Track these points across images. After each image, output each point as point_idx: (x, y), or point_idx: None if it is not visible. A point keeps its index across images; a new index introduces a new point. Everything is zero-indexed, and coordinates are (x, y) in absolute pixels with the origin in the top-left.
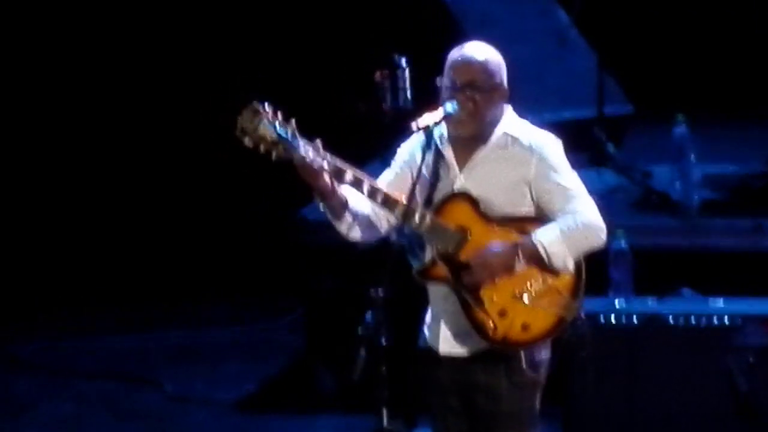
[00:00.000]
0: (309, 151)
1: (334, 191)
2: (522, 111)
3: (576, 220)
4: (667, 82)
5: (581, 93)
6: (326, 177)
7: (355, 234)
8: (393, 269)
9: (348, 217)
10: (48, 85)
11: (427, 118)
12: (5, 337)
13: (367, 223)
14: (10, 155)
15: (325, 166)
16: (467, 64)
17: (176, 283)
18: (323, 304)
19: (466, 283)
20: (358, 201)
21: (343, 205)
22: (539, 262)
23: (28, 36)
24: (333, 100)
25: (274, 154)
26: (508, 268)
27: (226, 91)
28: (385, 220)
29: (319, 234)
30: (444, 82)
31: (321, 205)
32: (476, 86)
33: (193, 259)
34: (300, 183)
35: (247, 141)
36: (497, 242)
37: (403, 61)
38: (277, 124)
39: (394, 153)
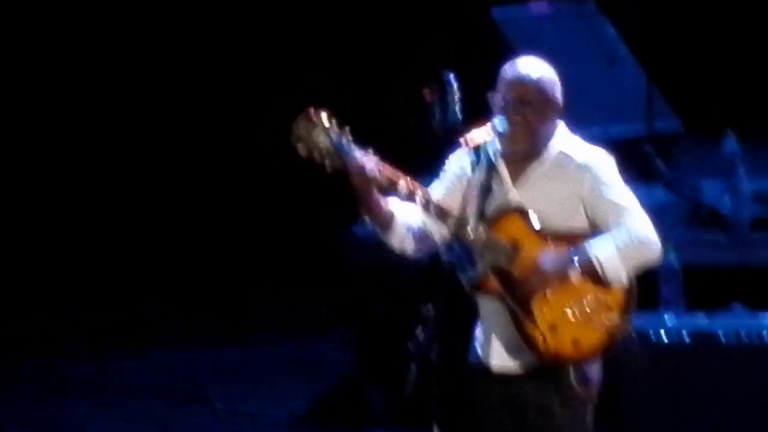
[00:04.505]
0: (363, 159)
1: (379, 204)
2: (571, 127)
3: (631, 234)
4: (717, 98)
5: (630, 109)
6: (374, 190)
7: (407, 247)
8: (443, 286)
9: (397, 229)
10: (92, 78)
11: (477, 135)
12: (55, 357)
13: (418, 235)
14: (61, 179)
15: (379, 175)
16: (520, 80)
17: (227, 300)
18: (373, 321)
19: (520, 294)
20: (407, 213)
21: (390, 217)
22: (593, 274)
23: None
24: (382, 116)
25: (328, 163)
26: (562, 277)
27: (279, 105)
28: (437, 233)
29: (368, 251)
30: (497, 97)
31: (368, 221)
32: (528, 103)
33: (243, 277)
34: (351, 198)
35: (301, 148)
36: (551, 252)
37: (452, 78)
38: (332, 131)
39: (442, 169)
